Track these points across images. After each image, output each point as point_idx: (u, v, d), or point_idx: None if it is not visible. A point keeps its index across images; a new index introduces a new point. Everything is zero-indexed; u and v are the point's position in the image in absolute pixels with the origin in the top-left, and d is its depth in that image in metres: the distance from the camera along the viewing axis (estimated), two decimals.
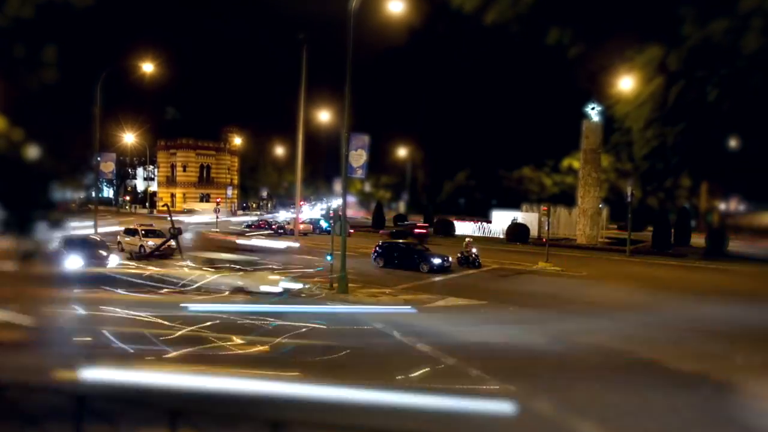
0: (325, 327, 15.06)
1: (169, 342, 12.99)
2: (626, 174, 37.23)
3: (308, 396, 9.77)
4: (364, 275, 24.26)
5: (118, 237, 32.46)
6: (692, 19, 5.62)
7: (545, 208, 38.39)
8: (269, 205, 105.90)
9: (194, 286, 20.17)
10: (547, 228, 35.62)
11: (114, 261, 25.07)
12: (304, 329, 14.59)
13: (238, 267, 22.40)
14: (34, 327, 12.75)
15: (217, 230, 39.17)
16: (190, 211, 73.84)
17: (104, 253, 25.15)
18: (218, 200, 65.99)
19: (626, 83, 6.98)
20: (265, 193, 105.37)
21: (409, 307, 18.32)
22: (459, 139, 62.67)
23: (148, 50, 34.72)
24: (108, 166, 35.05)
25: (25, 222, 5.43)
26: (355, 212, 67.08)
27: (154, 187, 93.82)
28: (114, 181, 79.76)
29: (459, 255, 29.38)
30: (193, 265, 23.97)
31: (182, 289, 20.12)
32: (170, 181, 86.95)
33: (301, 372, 11.06)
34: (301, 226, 43.86)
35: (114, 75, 34.30)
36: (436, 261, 27.14)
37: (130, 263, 26.30)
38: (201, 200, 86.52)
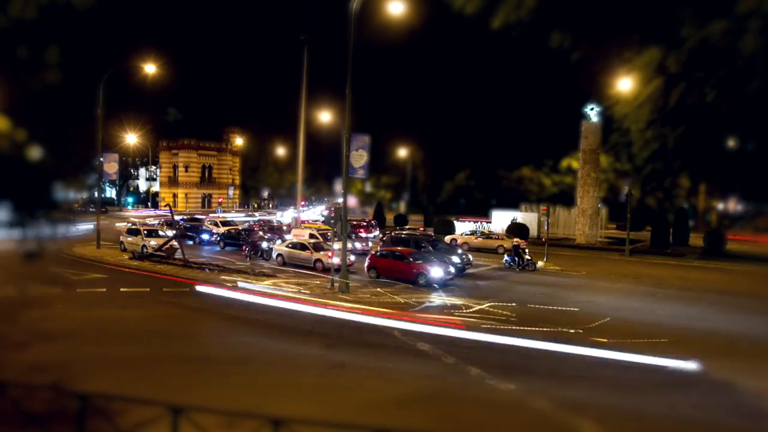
0: None
1: None
2: (625, 174, 37.30)
3: None
4: (364, 275, 24.32)
5: (121, 237, 32.51)
6: (691, 21, 5.65)
7: (544, 207, 38.48)
8: (270, 205, 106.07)
9: None
10: (546, 228, 35.68)
11: None
12: None
13: None
14: None
15: None
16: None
17: None
18: (220, 200, 66.11)
19: (625, 84, 7.00)
20: (266, 194, 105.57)
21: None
22: (459, 139, 62.79)
23: (151, 51, 34.75)
24: (111, 167, 35.07)
25: (28, 222, 5.47)
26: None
27: (156, 187, 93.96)
28: (117, 181, 79.83)
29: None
30: None
31: None
32: (172, 182, 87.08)
33: None
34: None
35: (116, 76, 34.30)
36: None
37: None
38: (203, 200, 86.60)
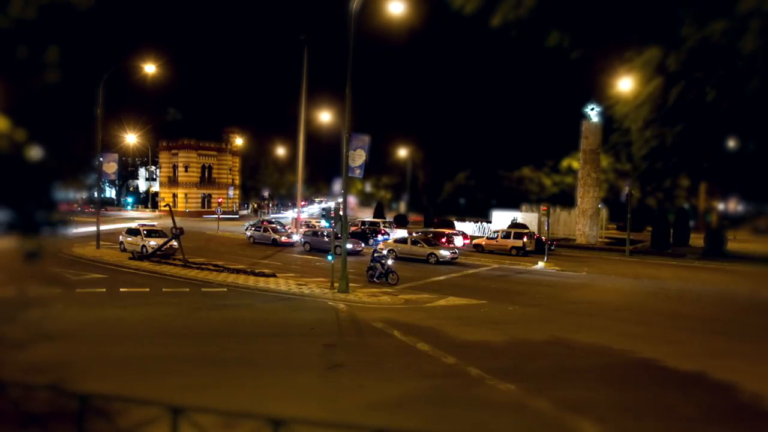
0: None
1: None
2: (625, 174, 37.29)
3: None
4: (364, 274, 24.28)
5: (120, 237, 32.50)
6: (691, 21, 5.65)
7: (545, 208, 38.52)
8: (270, 205, 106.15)
9: None
10: (546, 228, 35.69)
11: None
12: None
13: None
14: None
15: None
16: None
17: None
18: (219, 200, 66.14)
19: (625, 84, 7.00)
20: (266, 194, 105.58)
21: None
22: (459, 139, 62.76)
23: (150, 51, 34.73)
24: (110, 167, 35.06)
25: (28, 222, 5.47)
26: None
27: (156, 187, 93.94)
28: (116, 181, 79.85)
29: None
30: None
31: None
32: (172, 182, 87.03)
33: None
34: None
35: (116, 76, 34.35)
36: None
37: None
38: (203, 200, 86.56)
